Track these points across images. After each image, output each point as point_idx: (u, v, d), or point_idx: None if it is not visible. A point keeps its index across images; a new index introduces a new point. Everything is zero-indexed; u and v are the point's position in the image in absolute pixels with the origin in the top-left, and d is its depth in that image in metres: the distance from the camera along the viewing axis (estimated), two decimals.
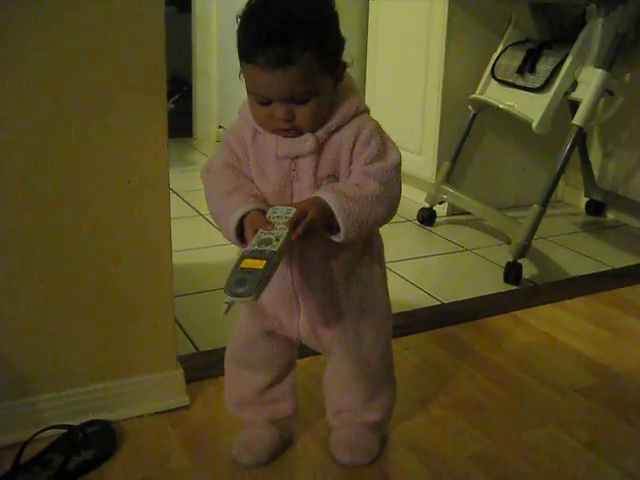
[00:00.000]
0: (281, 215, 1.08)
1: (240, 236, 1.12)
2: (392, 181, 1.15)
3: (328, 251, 1.18)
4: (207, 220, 2.79)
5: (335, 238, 1.12)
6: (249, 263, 1.02)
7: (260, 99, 1.11)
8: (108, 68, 1.27)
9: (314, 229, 1.08)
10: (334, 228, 1.10)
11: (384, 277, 1.31)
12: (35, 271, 1.32)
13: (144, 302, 1.43)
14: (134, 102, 1.31)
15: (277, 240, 1.04)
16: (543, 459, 1.40)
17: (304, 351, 1.38)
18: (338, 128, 1.14)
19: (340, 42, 1.13)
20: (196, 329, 1.86)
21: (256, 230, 1.07)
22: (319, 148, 1.14)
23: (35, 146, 1.26)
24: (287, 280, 1.21)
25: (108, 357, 1.43)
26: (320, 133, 1.13)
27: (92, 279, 1.37)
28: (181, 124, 4.20)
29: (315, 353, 1.38)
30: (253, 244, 1.05)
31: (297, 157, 1.14)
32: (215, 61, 4.27)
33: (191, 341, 1.80)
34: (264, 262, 1.02)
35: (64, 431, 1.35)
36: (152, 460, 1.36)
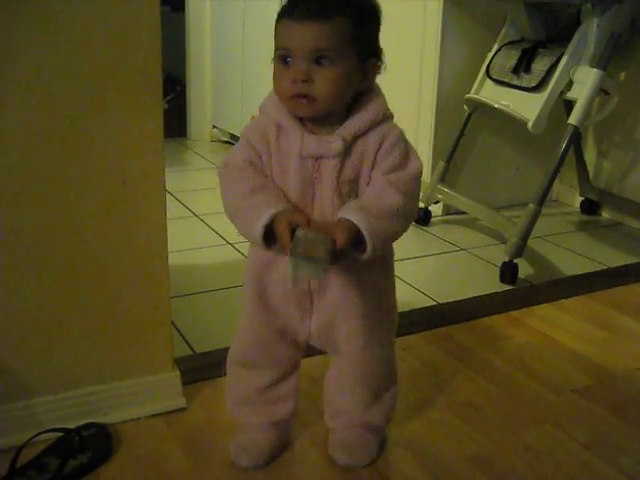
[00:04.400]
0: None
1: (264, 238, 1.10)
2: (412, 191, 1.15)
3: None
4: (202, 220, 2.78)
5: (358, 255, 1.10)
6: (307, 252, 1.02)
7: (283, 53, 1.10)
8: (103, 68, 1.26)
9: (346, 255, 1.08)
10: (359, 247, 1.09)
11: (394, 285, 1.31)
12: (30, 273, 1.31)
13: (140, 304, 1.42)
14: (130, 102, 1.30)
15: (323, 244, 1.03)
16: (540, 459, 1.40)
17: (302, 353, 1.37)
18: (364, 133, 1.14)
19: (375, 42, 1.15)
20: (192, 331, 1.85)
21: (293, 230, 1.05)
22: (345, 151, 1.13)
23: (30, 146, 1.25)
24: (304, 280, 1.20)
25: (104, 359, 1.42)
26: (347, 135, 1.12)
27: (87, 280, 1.36)
28: (175, 124, 4.19)
29: (313, 355, 1.38)
30: (299, 238, 1.03)
31: (321, 158, 1.13)
32: (209, 61, 4.26)
33: (187, 343, 1.79)
34: (324, 253, 1.01)
35: (60, 434, 1.34)
36: (149, 463, 1.35)
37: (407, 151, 1.16)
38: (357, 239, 1.08)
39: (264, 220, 1.08)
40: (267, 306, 1.25)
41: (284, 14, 1.09)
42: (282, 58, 1.10)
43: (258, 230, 1.09)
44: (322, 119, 1.14)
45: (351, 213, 1.09)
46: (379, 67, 1.16)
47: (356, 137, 1.13)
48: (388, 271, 1.29)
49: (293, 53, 1.08)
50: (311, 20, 1.06)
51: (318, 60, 1.08)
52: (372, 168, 1.14)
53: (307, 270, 1.01)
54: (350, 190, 1.15)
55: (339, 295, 1.21)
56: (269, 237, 1.10)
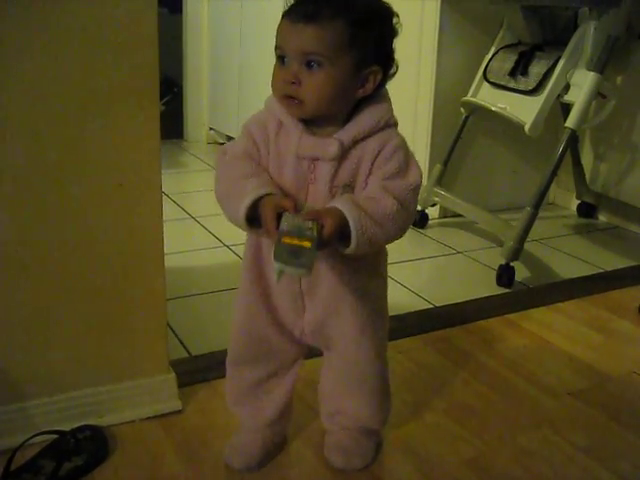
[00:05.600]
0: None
1: (249, 221, 1.09)
2: (408, 201, 1.12)
3: (336, 255, 1.15)
4: (198, 223, 2.78)
5: (342, 249, 1.09)
6: (293, 240, 0.99)
7: (280, 53, 1.10)
8: (100, 69, 1.26)
9: (331, 243, 1.07)
10: (344, 239, 1.08)
11: (385, 290, 1.30)
12: (25, 275, 1.31)
13: (136, 305, 1.42)
14: (126, 105, 1.29)
15: (310, 229, 1.01)
16: (537, 463, 1.40)
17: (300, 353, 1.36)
18: (364, 138, 1.12)
19: (379, 49, 1.12)
20: (188, 333, 1.85)
21: (279, 214, 1.04)
22: (342, 155, 1.12)
23: (26, 149, 1.24)
24: (295, 279, 1.19)
25: (99, 362, 1.42)
26: (345, 139, 1.11)
27: (83, 282, 1.36)
28: (171, 126, 4.19)
29: (309, 358, 1.37)
30: (285, 225, 1.01)
31: (317, 159, 1.12)
32: (206, 63, 4.27)
33: (183, 345, 1.79)
34: (309, 242, 0.99)
35: (55, 437, 1.33)
36: (144, 465, 1.34)
37: (407, 160, 1.14)
38: (343, 232, 1.06)
39: (248, 201, 1.07)
40: (265, 299, 1.24)
41: (285, 14, 1.09)
42: (279, 57, 1.11)
43: (241, 211, 1.08)
44: (322, 121, 1.13)
45: (343, 204, 1.07)
46: (381, 74, 1.13)
47: (355, 142, 1.12)
48: (380, 276, 1.28)
49: (287, 54, 1.09)
50: (304, 23, 1.05)
51: (309, 64, 1.07)
52: (369, 174, 1.13)
53: (293, 269, 0.99)
54: (344, 194, 1.13)
55: (329, 296, 1.21)
56: (254, 221, 1.09)
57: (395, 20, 1.13)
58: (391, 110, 1.16)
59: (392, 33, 1.14)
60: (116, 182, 1.32)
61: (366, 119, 1.13)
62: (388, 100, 1.17)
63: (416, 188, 1.14)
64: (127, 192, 1.34)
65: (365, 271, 1.23)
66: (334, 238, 1.06)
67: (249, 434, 1.36)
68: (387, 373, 1.36)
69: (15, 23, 1.18)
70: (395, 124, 1.16)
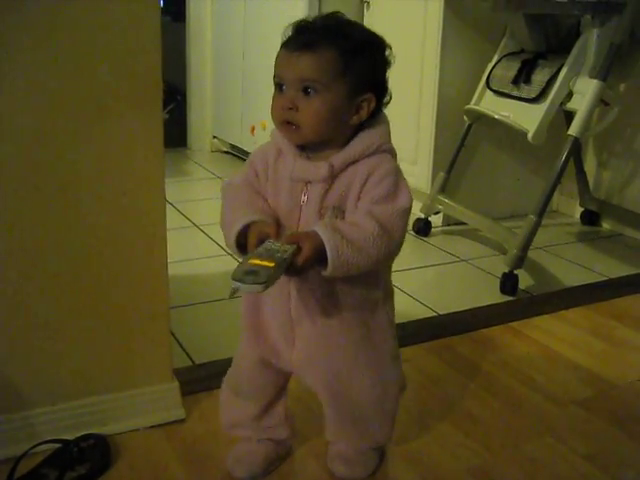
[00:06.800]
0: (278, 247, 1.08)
1: (239, 246, 1.13)
2: (394, 226, 1.12)
3: (327, 283, 1.16)
4: (202, 231, 2.78)
5: (322, 270, 1.10)
6: (258, 261, 1.02)
7: (278, 81, 1.13)
8: (103, 77, 1.26)
9: (308, 266, 1.08)
10: (324, 261, 1.08)
11: (390, 324, 1.29)
12: (28, 284, 1.31)
13: (139, 314, 1.42)
14: (130, 112, 1.30)
15: (284, 252, 1.04)
16: (541, 471, 1.39)
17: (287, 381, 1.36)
18: (355, 161, 1.14)
19: (372, 77, 1.15)
20: (192, 341, 1.85)
21: (262, 240, 1.08)
22: (332, 177, 1.14)
23: (29, 157, 1.25)
24: (285, 306, 1.20)
25: (103, 370, 1.42)
26: (336, 162, 1.13)
27: (86, 290, 1.36)
28: (175, 134, 4.19)
29: None
30: (260, 249, 1.05)
31: (309, 182, 1.14)
32: (209, 71, 4.27)
33: (187, 354, 1.79)
34: (274, 263, 1.01)
35: (58, 445, 1.33)
36: (147, 474, 1.34)
37: (397, 186, 1.14)
38: (322, 255, 1.07)
39: (236, 229, 1.13)
40: (257, 332, 1.26)
41: (283, 45, 1.13)
42: (278, 85, 1.14)
43: (231, 238, 1.14)
44: (319, 147, 1.16)
45: (321, 228, 1.09)
46: (375, 102, 1.16)
47: (346, 165, 1.14)
48: (380, 310, 1.26)
49: (284, 81, 1.12)
50: (301, 52, 1.10)
51: (305, 90, 1.11)
52: (359, 198, 1.14)
53: (247, 287, 1.01)
54: (335, 217, 1.14)
55: (318, 324, 1.21)
56: (245, 247, 1.13)
57: (388, 52, 1.17)
58: (385, 136, 1.18)
59: (385, 63, 1.17)
60: (119, 190, 1.33)
61: (358, 144, 1.15)
62: (384, 127, 1.19)
63: (404, 212, 1.14)
64: (131, 200, 1.34)
65: (359, 297, 1.22)
66: (310, 261, 1.07)
67: (251, 444, 1.36)
68: (391, 409, 1.33)
69: (18, 28, 1.18)
70: (390, 151, 1.17)
